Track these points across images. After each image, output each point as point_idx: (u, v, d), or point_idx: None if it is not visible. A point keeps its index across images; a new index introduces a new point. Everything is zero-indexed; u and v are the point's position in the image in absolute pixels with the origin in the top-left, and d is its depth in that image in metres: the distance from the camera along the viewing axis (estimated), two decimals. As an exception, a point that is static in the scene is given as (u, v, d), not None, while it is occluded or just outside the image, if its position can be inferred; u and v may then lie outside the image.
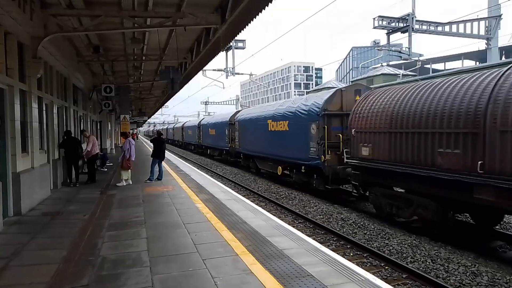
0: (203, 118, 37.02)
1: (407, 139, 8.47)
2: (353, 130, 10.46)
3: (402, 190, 9.70)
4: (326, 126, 12.05)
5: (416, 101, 8.36)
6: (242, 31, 8.81)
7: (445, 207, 8.31)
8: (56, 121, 11.14)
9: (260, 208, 8.24)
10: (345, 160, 10.86)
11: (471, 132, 6.95)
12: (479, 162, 6.71)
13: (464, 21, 23.33)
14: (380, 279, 6.32)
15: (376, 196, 10.07)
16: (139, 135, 66.09)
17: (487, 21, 23.70)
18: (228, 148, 23.47)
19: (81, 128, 14.16)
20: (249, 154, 19.84)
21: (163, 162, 12.99)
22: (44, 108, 9.73)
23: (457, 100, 7.31)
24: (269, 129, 16.55)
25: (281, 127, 15.50)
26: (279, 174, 16.06)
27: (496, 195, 6.62)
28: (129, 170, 11.56)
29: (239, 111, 24.24)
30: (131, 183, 11.47)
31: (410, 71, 28.57)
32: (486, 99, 6.74)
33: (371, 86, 15.04)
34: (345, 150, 11.03)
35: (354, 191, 12.10)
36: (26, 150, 8.05)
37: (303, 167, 13.70)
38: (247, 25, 8.27)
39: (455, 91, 7.48)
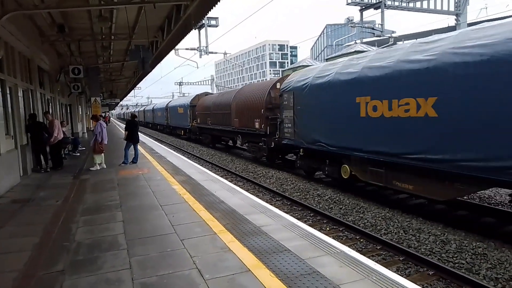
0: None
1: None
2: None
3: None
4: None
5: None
6: (214, 7, 8.61)
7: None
8: (22, 105, 10.65)
9: (237, 187, 8.27)
10: None
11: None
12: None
13: (435, -3, 23.69)
14: (355, 251, 6.56)
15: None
16: (111, 118, 64.33)
17: (456, -3, 24.12)
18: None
19: (44, 110, 13.12)
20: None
21: (138, 145, 12.75)
22: (8, 92, 9.26)
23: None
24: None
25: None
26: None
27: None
28: (102, 154, 11.28)
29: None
30: (105, 167, 11.22)
31: (382, 47, 28.84)
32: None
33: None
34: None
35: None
36: (-9, 136, 7.69)
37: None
38: (219, 1, 8.06)
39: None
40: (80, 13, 11.02)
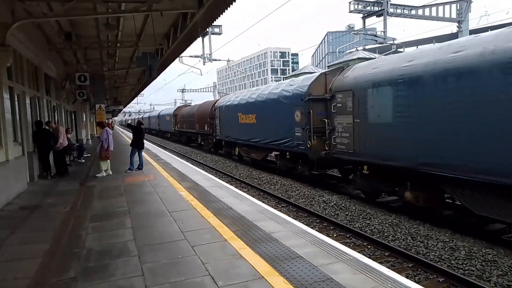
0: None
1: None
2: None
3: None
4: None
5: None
6: (221, 15, 8.67)
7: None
8: (29, 112, 10.71)
9: (244, 194, 8.27)
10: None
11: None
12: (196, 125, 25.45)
13: (437, 4, 23.78)
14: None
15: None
16: (114, 125, 64.60)
17: (458, 4, 24.23)
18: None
19: (46, 120, 12.88)
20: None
21: (142, 151, 12.78)
22: (16, 99, 9.33)
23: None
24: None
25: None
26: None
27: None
28: (108, 161, 11.32)
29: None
30: (111, 173, 11.25)
31: (384, 55, 29.00)
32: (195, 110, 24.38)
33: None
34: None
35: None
36: (0, 142, 7.73)
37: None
38: (226, 9, 8.14)
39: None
40: (87, 21, 11.14)
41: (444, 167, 7.35)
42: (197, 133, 26.70)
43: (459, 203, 8.21)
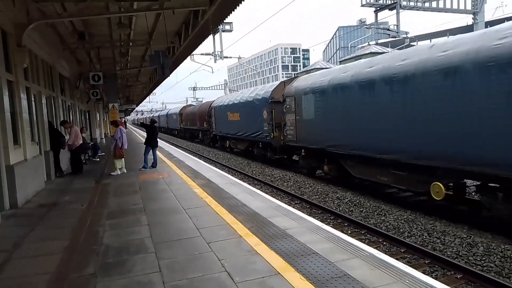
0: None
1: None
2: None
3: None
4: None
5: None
6: (232, 12, 8.67)
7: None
8: (46, 112, 10.89)
9: (258, 191, 8.28)
10: None
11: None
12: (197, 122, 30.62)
13: (451, -4, 23.33)
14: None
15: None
16: (127, 124, 65.39)
17: (473, -5, 23.72)
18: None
19: (62, 119, 12.90)
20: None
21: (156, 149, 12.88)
22: (32, 99, 9.50)
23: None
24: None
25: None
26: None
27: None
28: (123, 159, 11.45)
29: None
30: (125, 171, 11.38)
31: (397, 48, 28.54)
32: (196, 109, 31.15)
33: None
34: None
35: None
36: (18, 142, 7.89)
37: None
38: (238, 6, 8.13)
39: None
40: (100, 20, 11.24)
41: (338, 147, 11.21)
42: (198, 129, 30.91)
43: (477, 199, 8.28)
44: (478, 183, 7.90)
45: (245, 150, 20.20)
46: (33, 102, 9.48)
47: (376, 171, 9.93)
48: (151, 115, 74.91)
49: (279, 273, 3.83)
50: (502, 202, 6.92)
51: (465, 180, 8.59)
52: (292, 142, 14.15)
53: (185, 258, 4.40)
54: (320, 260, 4.11)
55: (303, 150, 13.69)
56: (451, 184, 8.41)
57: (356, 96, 10.08)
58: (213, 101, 27.17)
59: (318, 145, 12.20)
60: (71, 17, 9.38)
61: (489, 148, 6.63)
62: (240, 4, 8.05)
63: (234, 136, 20.72)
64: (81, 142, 12.26)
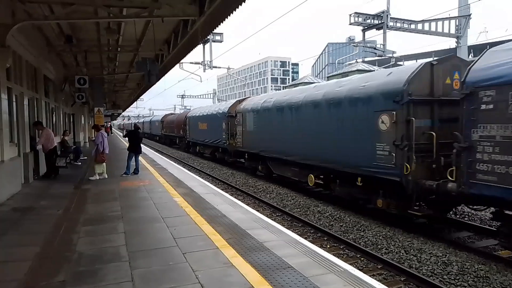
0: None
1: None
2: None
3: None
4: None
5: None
6: (221, 23, 8.73)
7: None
8: (27, 113, 10.70)
9: (239, 202, 8.25)
10: None
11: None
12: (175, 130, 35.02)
13: (436, 20, 24.01)
14: (356, 269, 6.50)
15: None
16: (113, 129, 64.63)
17: (457, 20, 24.49)
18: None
19: (36, 120, 12.06)
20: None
21: (139, 156, 12.75)
22: (14, 100, 9.33)
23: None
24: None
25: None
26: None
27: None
28: (104, 164, 11.28)
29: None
30: (106, 177, 11.21)
31: (384, 67, 29.20)
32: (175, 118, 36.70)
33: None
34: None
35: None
36: (-5, 143, 7.72)
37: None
38: (227, 17, 8.19)
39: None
40: (88, 25, 11.19)
41: (265, 152, 15.04)
42: (176, 136, 34.99)
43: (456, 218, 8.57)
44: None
45: (211, 154, 23.99)
46: (14, 103, 9.31)
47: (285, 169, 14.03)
48: (136, 121, 77.53)
49: (253, 287, 3.80)
50: (338, 186, 10.71)
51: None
52: (240, 148, 17.83)
53: (159, 268, 4.34)
54: (295, 275, 4.10)
55: (246, 154, 17.41)
56: (322, 176, 11.48)
57: (274, 116, 14.14)
58: (188, 112, 31.98)
59: (255, 150, 16.03)
60: (58, 20, 9.32)
61: (330, 153, 10.54)
62: (229, 16, 8.11)
63: (202, 142, 24.77)
64: (55, 145, 11.82)
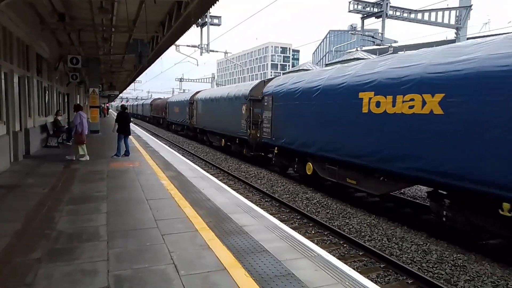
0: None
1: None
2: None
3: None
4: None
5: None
6: (213, 5, 8.62)
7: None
8: (17, 91, 10.62)
9: (225, 186, 8.28)
10: None
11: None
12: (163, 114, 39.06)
13: (436, 10, 23.73)
14: (337, 256, 6.60)
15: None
16: (110, 110, 64.35)
17: (457, 10, 24.20)
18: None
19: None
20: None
21: (130, 137, 12.68)
22: (3, 77, 9.25)
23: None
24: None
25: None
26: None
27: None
28: (84, 145, 11.12)
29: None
30: (88, 158, 11.09)
31: (382, 56, 28.93)
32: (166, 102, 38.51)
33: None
34: None
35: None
36: (-18, 120, 7.68)
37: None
38: (217, 0, 8.08)
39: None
40: (81, 3, 11.02)
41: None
42: (160, 117, 41.43)
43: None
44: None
45: (180, 131, 30.97)
46: (3, 81, 9.23)
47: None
48: (131, 103, 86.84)
49: (226, 269, 3.86)
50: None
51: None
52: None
53: (136, 248, 4.39)
54: (269, 259, 4.16)
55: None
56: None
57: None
58: (169, 97, 37.51)
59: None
60: (49, -3, 9.15)
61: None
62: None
63: (175, 122, 31.86)
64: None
